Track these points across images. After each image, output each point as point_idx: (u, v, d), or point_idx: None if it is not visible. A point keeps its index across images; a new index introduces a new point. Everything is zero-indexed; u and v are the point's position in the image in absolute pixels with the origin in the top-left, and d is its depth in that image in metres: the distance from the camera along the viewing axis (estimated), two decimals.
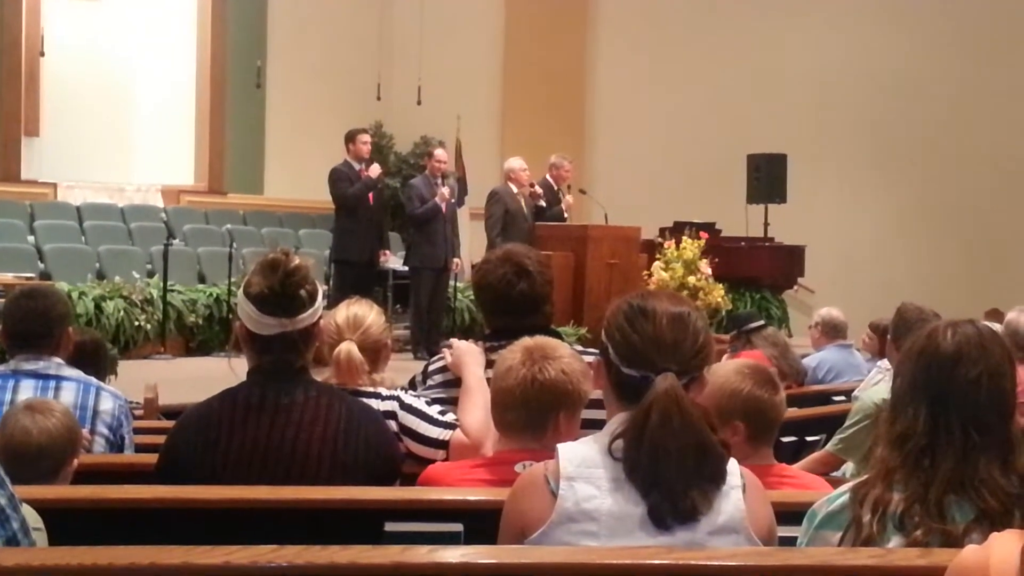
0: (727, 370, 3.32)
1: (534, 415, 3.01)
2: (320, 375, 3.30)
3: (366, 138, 11.55)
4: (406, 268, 11.61)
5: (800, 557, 2.22)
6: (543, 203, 11.55)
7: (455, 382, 3.76)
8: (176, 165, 15.65)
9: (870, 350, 7.75)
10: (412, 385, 3.97)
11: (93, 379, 4.06)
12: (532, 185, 11.53)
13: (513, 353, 3.10)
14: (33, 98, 14.50)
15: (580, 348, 3.59)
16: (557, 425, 3.00)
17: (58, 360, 3.98)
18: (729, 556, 2.18)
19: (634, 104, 16.86)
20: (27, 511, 2.50)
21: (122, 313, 10.51)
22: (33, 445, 3.19)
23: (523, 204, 11.42)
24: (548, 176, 11.95)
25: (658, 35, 16.82)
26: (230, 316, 10.53)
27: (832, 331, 7.82)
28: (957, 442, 2.26)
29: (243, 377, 3.08)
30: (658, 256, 11.53)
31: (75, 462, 3.31)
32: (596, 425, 2.60)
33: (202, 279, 12.60)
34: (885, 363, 5.94)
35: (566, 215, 11.93)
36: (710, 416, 2.33)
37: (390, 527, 2.69)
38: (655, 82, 16.77)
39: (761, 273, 13.85)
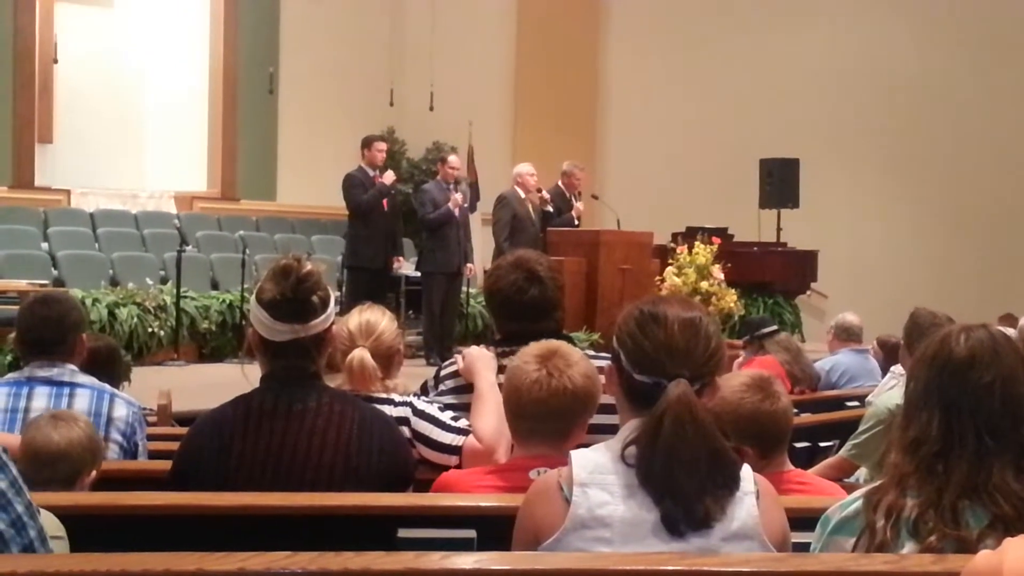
0: (723, 398, 3.26)
1: (557, 424, 2.99)
2: (333, 381, 3.30)
3: (382, 146, 11.58)
4: (419, 274, 11.62)
5: (814, 563, 2.22)
6: (550, 208, 11.55)
7: (467, 388, 3.76)
8: (189, 171, 15.69)
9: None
10: (424, 391, 3.98)
11: (107, 386, 4.07)
12: (539, 190, 11.53)
13: (527, 362, 3.05)
14: (46, 105, 14.54)
15: (592, 353, 3.59)
16: (575, 432, 3.00)
17: (72, 367, 3.99)
18: (743, 562, 2.18)
19: (646, 109, 16.86)
20: (49, 518, 2.50)
21: (135, 319, 10.54)
22: (53, 448, 3.22)
23: (530, 209, 11.44)
24: (560, 183, 11.96)
25: (670, 40, 16.83)
26: (243, 322, 10.55)
27: (848, 335, 7.84)
28: (971, 447, 2.25)
29: (256, 383, 3.08)
30: (671, 261, 11.50)
31: (94, 474, 3.32)
32: (606, 430, 2.60)
33: (215, 285, 12.63)
34: (899, 368, 5.94)
35: (577, 222, 11.93)
36: (722, 422, 2.33)
37: (403, 533, 2.69)
38: (667, 87, 16.77)
39: (774, 278, 13.82)
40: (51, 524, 2.50)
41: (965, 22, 15.71)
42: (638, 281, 10.82)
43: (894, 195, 16.28)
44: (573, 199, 11.95)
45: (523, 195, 11.47)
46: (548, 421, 2.98)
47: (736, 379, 3.40)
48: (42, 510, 2.36)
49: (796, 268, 14.18)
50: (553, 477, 2.33)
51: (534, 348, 3.11)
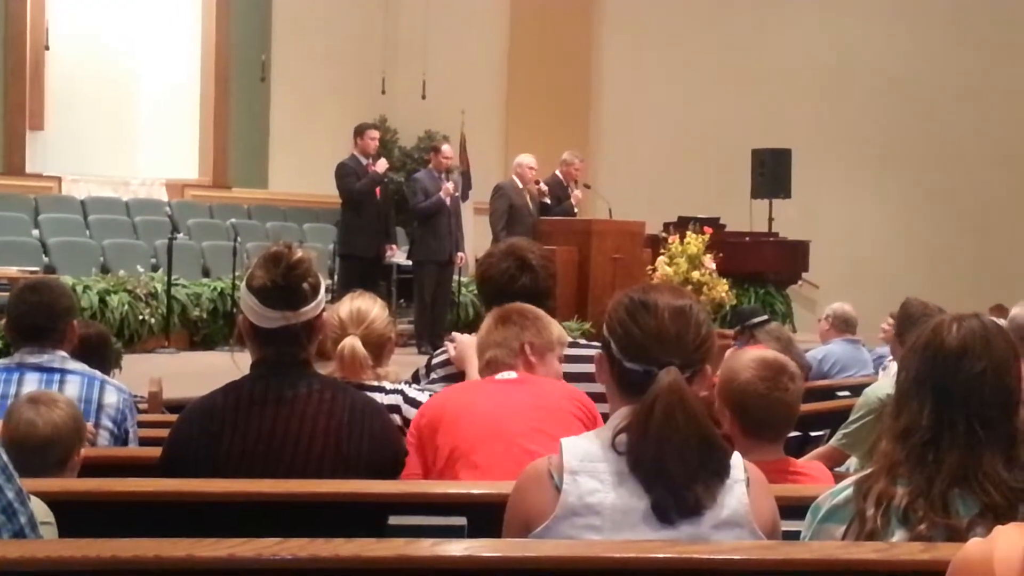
0: (738, 358, 3.34)
1: (503, 347, 3.34)
2: (324, 369, 3.30)
3: (375, 134, 11.53)
4: (410, 262, 11.60)
5: (804, 551, 2.22)
6: (547, 201, 11.53)
7: (458, 376, 3.77)
8: (180, 159, 15.67)
9: (889, 339, 7.81)
10: (415, 379, 3.98)
11: (97, 373, 4.06)
12: (538, 183, 11.50)
13: (487, 317, 3.50)
14: (38, 92, 14.51)
15: (584, 341, 3.61)
16: (526, 355, 3.32)
17: (62, 353, 3.98)
18: (732, 550, 2.18)
19: (639, 99, 16.85)
20: (38, 504, 2.50)
21: (126, 307, 10.51)
22: (39, 437, 3.19)
23: (528, 199, 11.41)
24: (558, 172, 11.94)
25: (663, 29, 16.81)
26: (234, 310, 10.53)
27: (842, 325, 7.86)
28: (961, 436, 2.26)
29: (246, 371, 3.08)
30: (662, 251, 11.51)
31: (81, 452, 3.32)
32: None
33: (206, 273, 12.61)
34: None
35: (575, 211, 11.92)
36: (712, 410, 2.33)
37: (394, 520, 2.69)
38: (660, 76, 16.76)
39: (765, 268, 13.83)
40: (39, 510, 2.49)
41: (959, 14, 15.72)
42: (630, 270, 10.81)
43: (886, 185, 16.30)
44: (571, 188, 11.94)
45: (521, 185, 11.44)
46: (495, 348, 3.38)
47: (753, 355, 3.39)
48: (31, 496, 2.36)
49: (788, 258, 14.20)
50: (543, 464, 2.33)
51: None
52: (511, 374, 3.27)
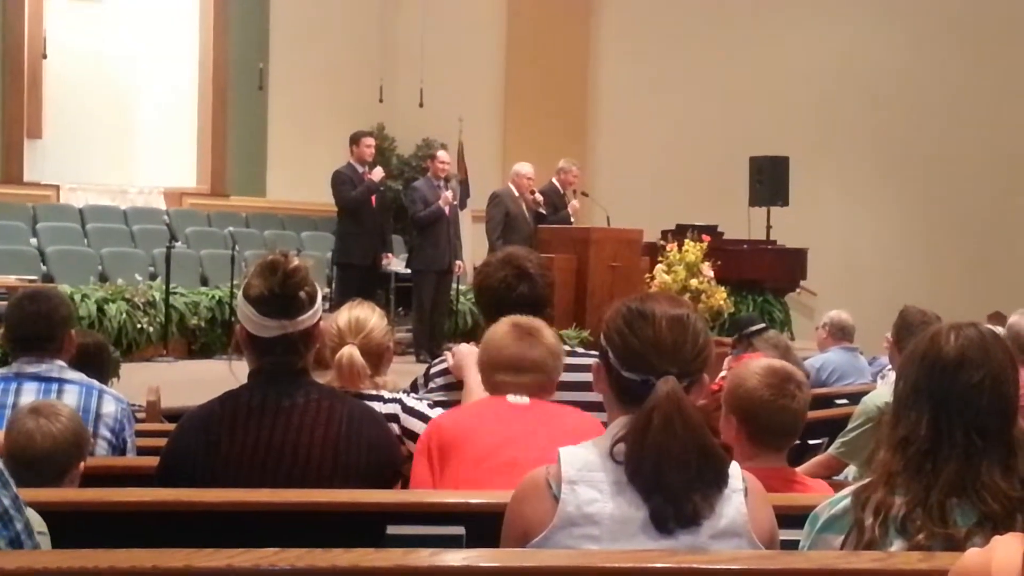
0: (746, 366, 3.36)
1: (520, 382, 3.25)
2: (322, 378, 3.29)
3: (371, 141, 11.54)
4: (408, 271, 11.60)
5: (802, 561, 2.22)
6: (543, 211, 11.52)
7: (457, 385, 3.77)
8: (178, 167, 15.67)
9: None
10: (414, 388, 3.98)
11: (95, 382, 4.06)
12: (533, 192, 11.50)
13: (503, 325, 3.38)
14: (35, 100, 14.51)
15: (582, 350, 3.60)
16: (533, 390, 3.25)
17: (60, 363, 3.98)
18: (731, 560, 2.17)
19: (636, 106, 16.85)
20: (31, 515, 2.49)
21: (124, 316, 10.51)
22: (37, 450, 3.18)
23: (524, 207, 11.41)
24: (555, 180, 11.94)
25: (660, 37, 16.82)
26: (232, 318, 10.53)
27: (839, 333, 7.86)
28: (959, 446, 2.26)
29: (244, 380, 3.07)
30: (660, 259, 11.50)
31: (82, 466, 3.30)
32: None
33: (204, 281, 12.60)
34: None
35: (572, 220, 11.92)
36: (711, 419, 2.33)
37: (392, 530, 2.68)
38: (657, 84, 16.76)
39: (763, 276, 13.82)
40: (33, 520, 2.49)
41: (955, 20, 15.71)
42: (628, 278, 10.81)
43: (884, 193, 16.29)
44: (567, 196, 11.93)
45: (517, 193, 11.45)
46: (511, 374, 3.27)
47: (761, 363, 3.39)
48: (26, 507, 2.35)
49: (785, 266, 14.19)
50: (542, 474, 2.33)
51: (513, 317, 3.46)
52: (524, 399, 3.19)
